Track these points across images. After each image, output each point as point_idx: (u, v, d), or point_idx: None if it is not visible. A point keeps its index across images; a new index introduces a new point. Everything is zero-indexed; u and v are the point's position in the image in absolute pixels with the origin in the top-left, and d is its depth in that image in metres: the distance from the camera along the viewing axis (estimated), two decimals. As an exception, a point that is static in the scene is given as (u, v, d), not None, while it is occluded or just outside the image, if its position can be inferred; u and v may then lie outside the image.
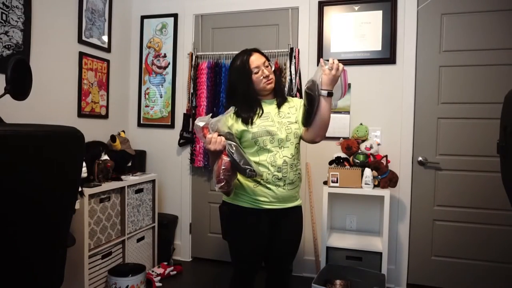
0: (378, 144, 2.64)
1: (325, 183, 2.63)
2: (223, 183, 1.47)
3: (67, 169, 1.03)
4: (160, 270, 2.78)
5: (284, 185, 1.62)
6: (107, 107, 2.99)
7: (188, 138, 3.09)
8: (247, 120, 1.63)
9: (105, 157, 2.51)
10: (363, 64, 2.75)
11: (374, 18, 2.72)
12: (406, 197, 2.71)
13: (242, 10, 3.01)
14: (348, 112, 2.79)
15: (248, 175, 1.48)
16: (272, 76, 1.67)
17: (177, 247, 3.22)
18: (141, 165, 3.13)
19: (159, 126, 3.23)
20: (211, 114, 1.64)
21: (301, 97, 2.78)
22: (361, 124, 2.72)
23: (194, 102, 3.06)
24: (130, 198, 2.64)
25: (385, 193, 2.44)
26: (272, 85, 1.68)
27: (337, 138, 2.73)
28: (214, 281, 2.80)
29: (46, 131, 0.94)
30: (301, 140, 1.72)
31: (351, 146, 2.59)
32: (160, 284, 2.67)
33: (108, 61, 2.97)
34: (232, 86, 1.70)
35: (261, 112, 1.66)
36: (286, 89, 2.78)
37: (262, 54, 1.72)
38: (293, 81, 2.80)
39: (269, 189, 1.61)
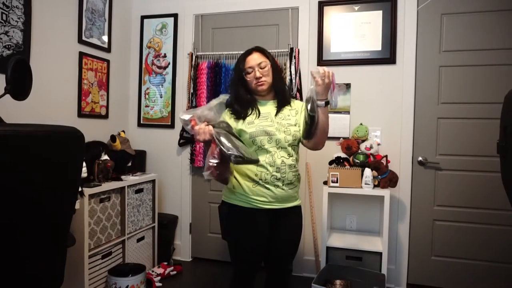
0: (378, 144, 2.64)
1: (325, 183, 2.63)
2: (209, 171, 1.44)
3: (67, 169, 1.03)
4: (160, 270, 2.78)
5: (283, 185, 1.62)
6: (107, 107, 2.99)
7: (188, 138, 3.09)
8: (240, 116, 1.65)
9: (105, 157, 2.51)
10: (363, 64, 2.75)
11: (374, 18, 2.72)
12: (406, 197, 2.71)
13: (242, 10, 3.01)
14: (348, 112, 2.79)
15: (234, 162, 1.42)
16: (264, 78, 1.66)
17: (177, 247, 3.22)
18: (141, 165, 3.13)
19: (159, 126, 3.23)
20: (196, 107, 1.63)
21: (301, 97, 2.78)
22: (361, 124, 2.72)
23: (194, 102, 3.06)
24: (130, 198, 2.64)
25: (385, 193, 2.44)
26: (263, 87, 1.67)
27: (337, 138, 2.73)
28: (214, 281, 2.80)
29: (46, 131, 0.94)
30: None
31: (351, 146, 2.59)
32: (160, 284, 2.67)
33: (108, 61, 2.97)
34: (231, 82, 1.75)
35: (257, 111, 1.66)
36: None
37: (264, 53, 1.70)
38: (293, 81, 2.80)
39: (268, 189, 1.61)
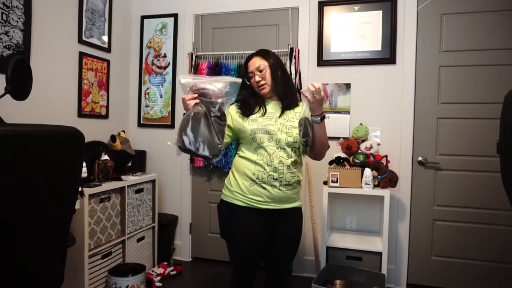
0: (378, 144, 2.64)
1: (325, 183, 2.63)
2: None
3: (67, 169, 1.03)
4: (160, 270, 2.78)
5: (280, 185, 1.61)
6: (107, 107, 2.99)
7: (188, 138, 3.08)
8: (246, 114, 1.67)
9: (105, 157, 2.51)
10: (363, 64, 2.75)
11: (374, 18, 2.72)
12: (406, 197, 2.71)
13: (242, 10, 3.01)
14: (348, 112, 2.79)
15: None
16: (263, 81, 1.67)
17: (177, 247, 3.22)
18: (141, 165, 3.13)
19: (159, 126, 3.23)
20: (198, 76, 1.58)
21: (301, 97, 2.78)
22: (361, 124, 2.72)
23: (194, 102, 3.05)
24: (130, 198, 2.64)
25: (385, 193, 2.44)
26: (265, 90, 1.68)
27: (337, 138, 2.72)
28: (214, 281, 2.80)
29: (46, 131, 0.94)
30: None
31: (351, 146, 2.59)
32: (160, 284, 2.67)
33: (108, 61, 2.97)
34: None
35: (264, 110, 1.67)
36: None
37: (264, 56, 1.70)
38: (293, 81, 2.80)
39: (264, 188, 1.60)
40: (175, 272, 2.86)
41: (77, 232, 2.17)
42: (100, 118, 2.93)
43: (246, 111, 1.68)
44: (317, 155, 1.71)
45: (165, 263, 2.90)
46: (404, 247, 2.72)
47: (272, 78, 1.68)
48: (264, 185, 1.60)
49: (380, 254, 2.43)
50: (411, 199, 2.71)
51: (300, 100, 1.76)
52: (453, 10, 2.60)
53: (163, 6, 3.20)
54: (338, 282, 2.27)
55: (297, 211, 1.73)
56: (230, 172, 1.73)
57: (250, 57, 1.73)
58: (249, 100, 1.70)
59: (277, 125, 1.63)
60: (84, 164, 2.24)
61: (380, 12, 2.71)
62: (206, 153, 1.42)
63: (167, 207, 3.25)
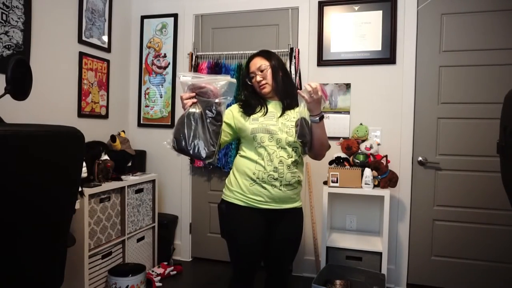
0: (378, 144, 2.64)
1: (325, 183, 2.63)
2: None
3: (67, 169, 1.03)
4: (160, 270, 2.78)
5: (281, 185, 1.61)
6: (107, 107, 2.99)
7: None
8: (248, 113, 1.67)
9: (105, 157, 2.51)
10: (363, 64, 2.75)
11: (374, 18, 2.72)
12: (406, 197, 2.71)
13: (242, 10, 3.01)
14: (348, 112, 2.79)
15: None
16: (264, 81, 1.67)
17: (177, 247, 3.22)
18: (141, 165, 3.13)
19: (159, 126, 3.23)
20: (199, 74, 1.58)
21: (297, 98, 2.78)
22: (361, 124, 2.72)
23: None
24: (130, 198, 2.64)
25: (385, 193, 2.44)
26: (266, 90, 1.68)
27: (337, 138, 2.72)
28: (214, 281, 2.80)
29: (46, 131, 0.94)
30: None
31: (351, 146, 2.59)
32: (160, 284, 2.67)
33: (108, 61, 2.97)
34: (241, 84, 1.80)
35: (266, 110, 1.68)
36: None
37: (265, 56, 1.71)
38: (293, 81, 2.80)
39: (265, 188, 1.60)
40: (175, 272, 2.86)
41: (77, 232, 2.17)
42: (100, 118, 2.93)
43: (248, 110, 1.68)
44: (317, 155, 1.70)
45: (165, 263, 2.90)
46: (404, 247, 2.72)
47: (273, 78, 1.68)
48: (264, 185, 1.60)
49: (380, 254, 2.43)
50: (411, 199, 2.71)
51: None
52: (453, 10, 2.60)
53: (163, 6, 3.20)
54: (338, 282, 2.27)
55: (298, 211, 1.73)
56: (231, 171, 1.73)
57: (251, 58, 1.74)
58: (251, 100, 1.71)
59: (278, 124, 1.63)
60: (84, 164, 2.24)
61: (380, 12, 2.71)
62: (200, 154, 1.42)
63: (167, 207, 3.25)
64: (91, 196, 2.27)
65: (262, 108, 1.69)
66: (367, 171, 2.46)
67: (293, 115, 1.68)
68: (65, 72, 2.57)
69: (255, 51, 1.79)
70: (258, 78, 1.67)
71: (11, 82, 1.34)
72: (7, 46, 2.14)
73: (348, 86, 2.79)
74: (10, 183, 0.85)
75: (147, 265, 2.84)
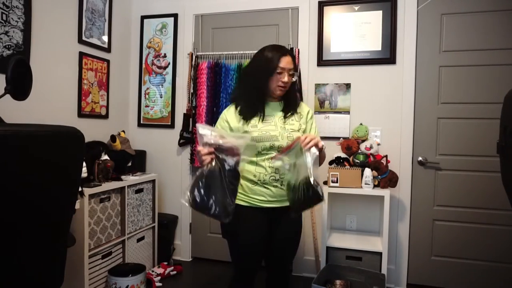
0: (378, 144, 2.64)
1: (325, 183, 2.63)
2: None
3: (67, 169, 1.03)
4: (160, 270, 2.78)
5: (282, 185, 1.62)
6: (107, 107, 2.99)
7: (188, 138, 3.09)
8: (246, 118, 1.62)
9: (105, 157, 2.51)
10: (363, 64, 2.75)
11: (374, 18, 2.72)
12: (406, 197, 2.71)
13: (242, 10, 3.01)
14: (348, 112, 2.79)
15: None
16: (288, 85, 1.64)
17: (177, 247, 3.22)
18: (141, 165, 3.13)
19: (159, 126, 3.23)
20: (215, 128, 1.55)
21: (300, 97, 2.78)
22: (361, 124, 2.72)
23: (194, 102, 3.06)
24: (130, 198, 2.64)
25: (385, 193, 2.44)
26: (282, 93, 1.65)
27: (337, 138, 2.73)
28: (214, 281, 2.80)
29: (46, 131, 0.94)
30: None
31: (351, 146, 2.59)
32: (160, 284, 2.67)
33: (108, 61, 2.97)
34: (247, 75, 1.70)
35: (262, 115, 1.64)
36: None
37: (294, 61, 1.68)
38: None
39: (267, 188, 1.62)
40: (175, 272, 2.86)
41: (77, 232, 2.17)
42: (100, 118, 2.93)
43: (247, 114, 1.63)
44: None
45: (165, 263, 2.90)
46: (404, 247, 2.72)
47: (291, 85, 1.67)
48: (266, 186, 1.62)
49: (380, 254, 2.43)
50: (411, 199, 2.71)
51: (302, 100, 1.75)
52: (453, 10, 2.60)
53: (163, 6, 3.20)
54: (338, 282, 2.27)
55: None
56: None
57: (284, 53, 1.62)
58: (254, 102, 1.64)
59: (277, 129, 1.63)
60: (84, 164, 2.24)
61: (380, 12, 2.71)
62: (220, 217, 1.39)
63: (167, 207, 3.24)
64: (91, 196, 2.27)
65: (259, 113, 1.65)
66: (367, 171, 2.46)
67: (292, 117, 1.68)
68: (65, 72, 2.57)
69: (253, 51, 1.76)
70: (287, 78, 1.61)
71: (11, 82, 1.34)
72: (7, 46, 2.14)
73: (348, 86, 2.79)
74: (10, 183, 0.85)
75: (147, 265, 2.84)
